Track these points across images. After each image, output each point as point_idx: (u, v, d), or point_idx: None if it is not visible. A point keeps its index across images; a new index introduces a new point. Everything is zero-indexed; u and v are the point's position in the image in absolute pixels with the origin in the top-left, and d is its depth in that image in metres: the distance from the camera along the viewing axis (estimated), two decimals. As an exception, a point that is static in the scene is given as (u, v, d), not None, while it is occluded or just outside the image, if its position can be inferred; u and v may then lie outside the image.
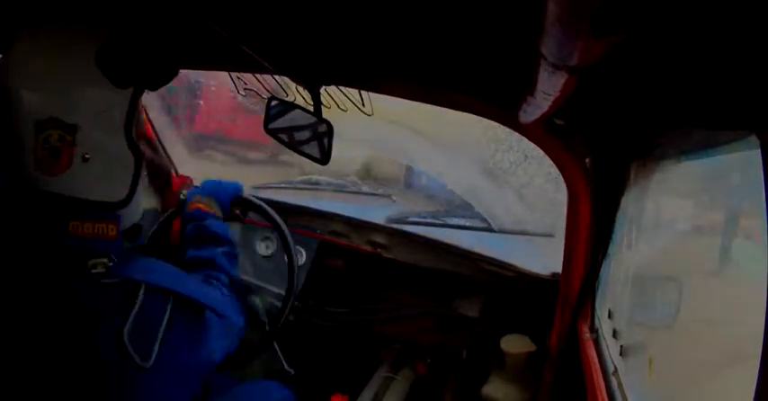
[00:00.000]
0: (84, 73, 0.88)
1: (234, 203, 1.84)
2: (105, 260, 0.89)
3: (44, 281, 0.87)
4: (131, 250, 1.04)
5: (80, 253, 0.88)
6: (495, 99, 1.04)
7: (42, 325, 0.85)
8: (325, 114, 1.13)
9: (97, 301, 0.86)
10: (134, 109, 0.94)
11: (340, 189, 2.31)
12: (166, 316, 0.88)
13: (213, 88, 4.07)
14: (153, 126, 1.86)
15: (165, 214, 1.71)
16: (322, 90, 1.11)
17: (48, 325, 0.85)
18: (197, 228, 1.30)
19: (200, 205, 1.36)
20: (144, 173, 1.02)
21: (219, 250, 1.24)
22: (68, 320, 0.85)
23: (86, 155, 0.88)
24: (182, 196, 1.92)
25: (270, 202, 1.62)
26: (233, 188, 1.48)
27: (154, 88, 1.01)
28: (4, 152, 0.89)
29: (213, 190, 1.43)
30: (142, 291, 0.86)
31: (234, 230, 1.84)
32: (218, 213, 1.38)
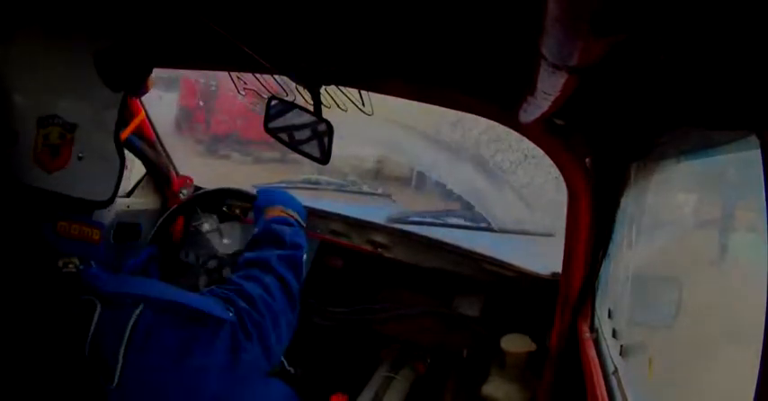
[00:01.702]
0: (84, 74, 0.89)
1: (233, 201, 1.85)
2: (76, 260, 0.87)
3: (18, 281, 0.86)
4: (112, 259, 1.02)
5: (58, 253, 0.87)
6: (495, 99, 1.04)
7: (17, 328, 0.84)
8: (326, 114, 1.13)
9: (70, 309, 0.83)
10: (123, 112, 0.95)
11: (340, 189, 2.31)
12: (128, 331, 0.81)
13: (213, 88, 4.08)
14: (153, 126, 1.86)
15: (167, 213, 1.71)
16: (322, 90, 1.11)
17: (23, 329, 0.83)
18: (267, 232, 1.22)
19: (284, 214, 1.29)
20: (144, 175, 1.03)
21: (278, 252, 1.15)
22: (44, 326, 0.83)
23: (81, 155, 0.90)
24: (182, 196, 1.93)
25: None
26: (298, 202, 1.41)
27: (135, 93, 1.02)
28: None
29: (286, 201, 1.34)
30: (99, 310, 0.82)
31: (234, 230, 1.85)
32: (302, 223, 1.30)
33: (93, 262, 0.96)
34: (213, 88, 4.10)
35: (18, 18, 0.93)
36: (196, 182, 1.97)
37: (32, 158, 0.87)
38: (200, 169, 2.00)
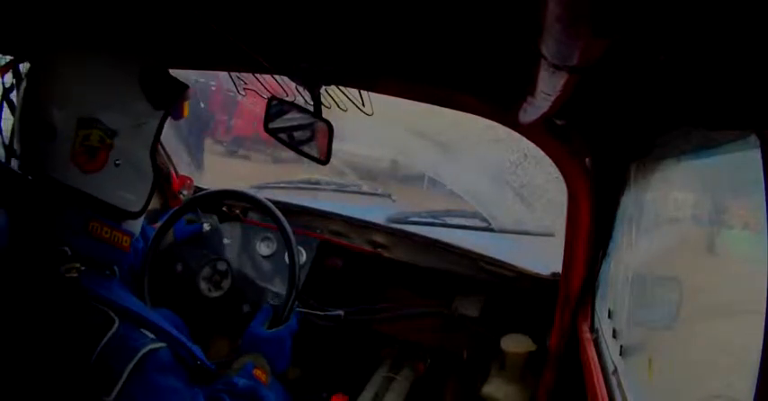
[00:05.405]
0: (130, 88, 0.94)
1: (233, 201, 1.85)
2: (78, 264, 0.88)
3: (20, 280, 0.86)
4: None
5: (69, 256, 0.88)
6: (496, 99, 1.04)
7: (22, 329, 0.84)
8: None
9: (80, 316, 0.85)
10: (161, 129, 0.98)
11: (340, 189, 2.31)
12: (139, 354, 0.83)
13: (213, 88, 4.09)
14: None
15: (170, 213, 1.71)
16: (322, 90, 1.11)
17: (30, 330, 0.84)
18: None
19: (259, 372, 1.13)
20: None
21: None
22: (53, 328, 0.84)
23: (118, 161, 0.92)
24: (182, 196, 1.93)
25: (270, 202, 1.62)
26: (287, 355, 1.24)
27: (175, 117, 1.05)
28: (36, 139, 0.90)
29: (266, 349, 1.20)
30: (116, 325, 0.84)
31: (234, 230, 1.84)
32: (267, 381, 1.15)
33: (116, 269, 0.96)
34: (232, 93, 4.15)
35: (68, 31, 0.96)
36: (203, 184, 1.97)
37: (70, 157, 0.88)
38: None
